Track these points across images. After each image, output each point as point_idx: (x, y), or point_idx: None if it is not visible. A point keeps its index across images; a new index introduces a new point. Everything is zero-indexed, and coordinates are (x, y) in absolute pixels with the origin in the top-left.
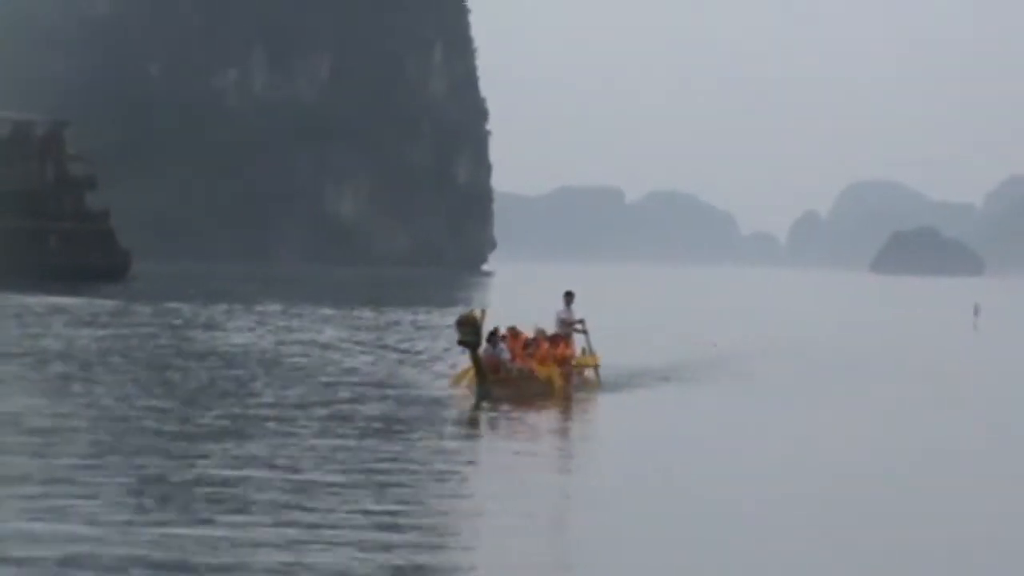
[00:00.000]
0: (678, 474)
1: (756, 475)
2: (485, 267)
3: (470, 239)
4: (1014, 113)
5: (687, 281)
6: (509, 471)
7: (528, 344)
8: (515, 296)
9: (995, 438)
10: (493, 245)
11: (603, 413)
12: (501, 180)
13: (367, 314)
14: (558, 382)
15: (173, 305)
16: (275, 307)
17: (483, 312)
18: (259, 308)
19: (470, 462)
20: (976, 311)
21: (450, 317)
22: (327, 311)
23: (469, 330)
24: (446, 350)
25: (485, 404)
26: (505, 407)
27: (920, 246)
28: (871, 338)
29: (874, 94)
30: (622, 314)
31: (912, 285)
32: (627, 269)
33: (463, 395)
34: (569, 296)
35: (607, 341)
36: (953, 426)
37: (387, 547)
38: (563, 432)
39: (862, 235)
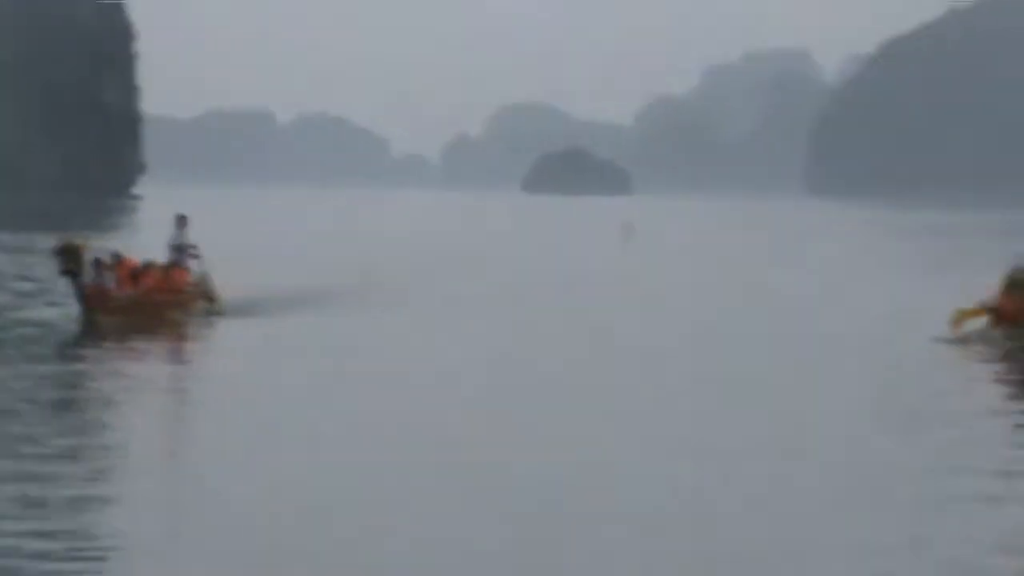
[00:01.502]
0: (287, 411)
1: (387, 405)
2: (135, 191)
3: (119, 163)
4: (661, 35)
5: (338, 203)
6: (114, 405)
7: (136, 272)
8: (160, 221)
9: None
10: (143, 169)
11: (220, 341)
12: (151, 103)
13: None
14: (173, 312)
15: None
16: None
17: (85, 241)
18: None
19: (72, 394)
20: (628, 229)
21: (92, 242)
22: None
23: (71, 258)
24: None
25: (91, 334)
26: (113, 337)
27: (570, 166)
28: (523, 254)
29: (523, 16)
30: (266, 238)
31: (561, 203)
32: (278, 192)
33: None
34: (182, 220)
35: (250, 265)
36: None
37: None
38: (172, 363)
39: (514, 156)
